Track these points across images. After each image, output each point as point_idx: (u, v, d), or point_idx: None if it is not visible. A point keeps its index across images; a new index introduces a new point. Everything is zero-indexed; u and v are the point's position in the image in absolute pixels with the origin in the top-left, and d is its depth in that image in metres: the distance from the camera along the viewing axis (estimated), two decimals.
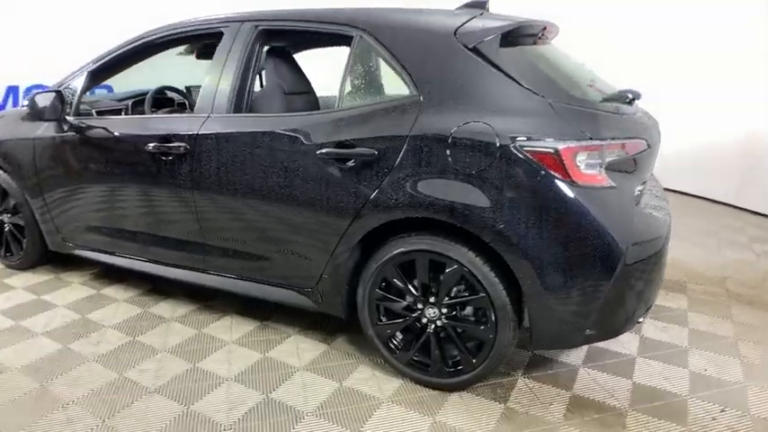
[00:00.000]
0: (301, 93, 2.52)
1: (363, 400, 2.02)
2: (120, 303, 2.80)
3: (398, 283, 2.04)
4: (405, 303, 2.07)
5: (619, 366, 2.24)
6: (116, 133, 2.55)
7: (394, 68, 2.02)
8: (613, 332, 1.97)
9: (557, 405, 1.99)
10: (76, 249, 2.93)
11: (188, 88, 3.36)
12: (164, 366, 2.23)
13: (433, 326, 2.03)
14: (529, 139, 1.77)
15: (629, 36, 5.08)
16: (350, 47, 2.12)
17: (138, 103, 3.08)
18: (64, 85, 2.79)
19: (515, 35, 2.03)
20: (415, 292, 2.03)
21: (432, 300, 2.01)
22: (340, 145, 2.00)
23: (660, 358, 2.31)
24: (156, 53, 2.73)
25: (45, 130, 2.77)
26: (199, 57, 3.05)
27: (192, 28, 2.52)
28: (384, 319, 2.13)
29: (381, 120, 1.98)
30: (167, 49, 2.72)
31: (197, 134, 2.30)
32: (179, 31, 2.55)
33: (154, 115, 2.77)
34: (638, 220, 1.86)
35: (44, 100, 2.60)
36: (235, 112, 2.30)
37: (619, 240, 1.76)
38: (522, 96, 1.86)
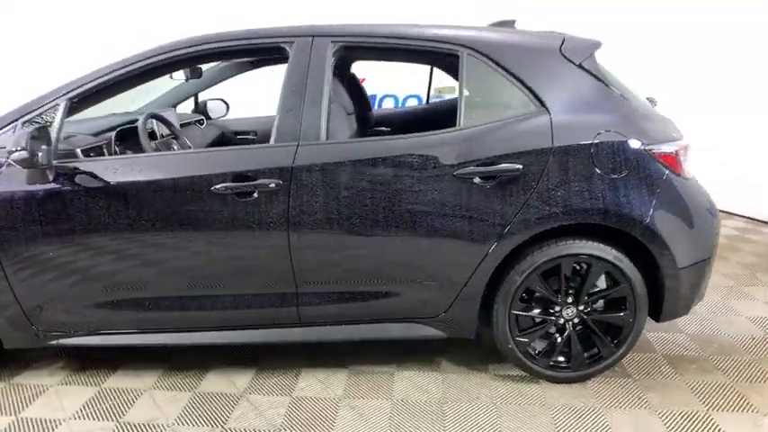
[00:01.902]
0: (364, 111, 2.34)
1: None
2: (158, 392, 2.18)
3: (542, 290, 2.11)
4: (546, 310, 2.15)
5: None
6: (147, 177, 1.98)
7: (513, 85, 2.07)
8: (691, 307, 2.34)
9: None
10: (63, 339, 2.16)
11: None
12: None
13: (571, 324, 2.16)
14: (654, 143, 2.04)
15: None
16: (458, 64, 2.09)
17: (122, 136, 2.38)
18: (24, 119, 2.04)
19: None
20: (557, 296, 2.12)
21: (569, 300, 2.14)
22: (482, 164, 1.97)
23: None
24: (178, 70, 2.19)
25: (10, 181, 1.97)
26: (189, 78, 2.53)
27: (240, 42, 2.11)
28: (523, 330, 2.17)
29: (517, 135, 2.01)
30: (196, 64, 2.21)
31: (292, 167, 1.96)
32: (220, 45, 2.10)
33: (202, 150, 2.17)
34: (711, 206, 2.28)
35: (20, 141, 1.85)
36: (329, 138, 2.03)
37: (715, 222, 2.17)
38: (622, 105, 2.11)
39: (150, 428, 1.97)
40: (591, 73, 2.11)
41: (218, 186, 1.95)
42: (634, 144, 2.01)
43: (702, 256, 2.14)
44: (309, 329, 2.17)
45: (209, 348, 2.46)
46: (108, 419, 2.03)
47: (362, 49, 2.18)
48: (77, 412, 2.07)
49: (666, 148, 2.05)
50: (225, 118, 3.71)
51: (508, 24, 2.52)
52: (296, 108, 2.03)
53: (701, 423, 1.97)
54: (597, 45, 2.17)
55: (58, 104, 2.04)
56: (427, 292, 2.11)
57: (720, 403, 2.08)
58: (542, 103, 2.04)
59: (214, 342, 2.18)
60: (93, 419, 2.03)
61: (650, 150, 2.02)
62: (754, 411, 2.03)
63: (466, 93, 2.08)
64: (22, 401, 2.14)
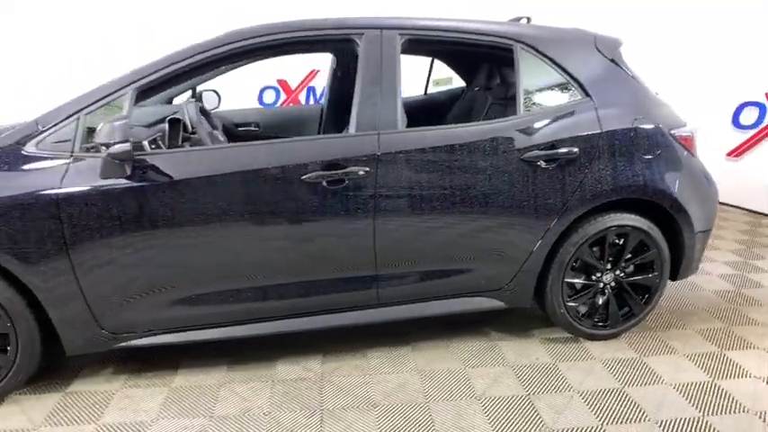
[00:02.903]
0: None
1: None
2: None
3: (590, 259, 2.38)
4: (590, 276, 2.44)
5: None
6: (234, 168, 1.96)
7: (561, 76, 2.31)
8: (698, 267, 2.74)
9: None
10: (133, 340, 2.07)
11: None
12: None
13: (609, 288, 2.47)
14: (674, 128, 2.39)
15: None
16: (513, 57, 2.28)
17: (173, 124, 2.26)
18: (86, 111, 1.92)
19: None
20: (601, 264, 2.41)
21: (608, 266, 2.44)
22: (545, 148, 2.19)
23: None
24: (250, 60, 2.17)
25: (81, 176, 1.85)
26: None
27: (310, 32, 2.13)
28: (572, 296, 2.44)
29: (572, 122, 2.26)
30: (273, 55, 2.20)
31: (378, 154, 2.04)
32: (291, 35, 2.11)
33: (289, 140, 2.14)
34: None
35: (117, 133, 1.75)
36: (406, 126, 2.14)
37: (716, 194, 2.58)
38: (647, 94, 2.44)
39: (248, 418, 1.98)
40: (620, 66, 2.42)
41: (310, 175, 1.98)
42: (663, 129, 2.34)
43: (710, 223, 2.54)
44: (385, 310, 2.28)
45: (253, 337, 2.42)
46: (197, 416, 1.99)
47: (426, 41, 2.30)
48: (161, 413, 2.01)
49: (685, 132, 2.42)
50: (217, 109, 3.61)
51: (524, 20, 2.77)
52: (374, 98, 2.11)
53: (717, 361, 2.37)
54: (621, 42, 2.48)
55: (124, 95, 1.95)
56: (495, 266, 2.30)
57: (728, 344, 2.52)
58: (587, 93, 2.31)
59: (290, 329, 2.20)
60: (183, 417, 1.99)
61: (674, 134, 2.37)
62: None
63: (522, 83, 2.28)
64: (93, 408, 2.03)
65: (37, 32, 4.82)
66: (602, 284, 2.46)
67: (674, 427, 1.94)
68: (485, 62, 3.27)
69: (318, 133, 3.54)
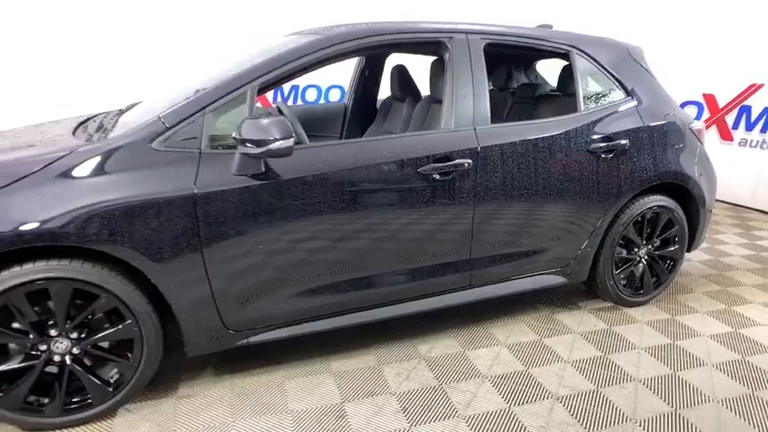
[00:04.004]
0: None
1: None
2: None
3: (632, 235, 2.76)
4: (630, 251, 2.81)
5: None
6: (361, 162, 2.04)
7: (607, 77, 2.66)
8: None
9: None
10: (252, 336, 2.08)
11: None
12: None
13: (645, 259, 2.87)
14: (690, 122, 2.84)
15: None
16: (569, 60, 2.59)
17: None
18: (211, 108, 1.91)
19: None
20: (639, 239, 2.80)
21: (644, 241, 2.84)
22: (604, 140, 2.52)
23: None
24: (349, 58, 2.24)
25: (214, 174, 1.85)
26: None
27: (409, 35, 2.27)
28: (617, 270, 2.80)
29: (620, 117, 2.61)
30: (368, 54, 2.27)
31: (478, 148, 2.24)
32: (396, 36, 2.23)
33: (403, 135, 2.24)
34: None
35: (283, 128, 1.79)
36: (492, 122, 2.35)
37: (716, 177, 3.09)
38: (667, 94, 2.88)
39: (322, 411, 2.08)
40: (647, 70, 2.83)
41: (425, 167, 2.13)
42: (685, 123, 2.78)
43: (713, 202, 3.04)
44: (475, 291, 2.48)
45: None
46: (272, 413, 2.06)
47: (499, 45, 2.52)
48: (235, 414, 2.05)
49: (698, 126, 2.88)
50: None
51: (546, 28, 3.10)
52: (468, 96, 2.30)
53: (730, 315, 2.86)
54: (643, 50, 2.89)
55: (246, 92, 1.96)
56: (565, 246, 2.59)
57: None
58: (628, 92, 2.68)
59: (398, 314, 2.32)
60: (259, 415, 2.04)
61: (691, 127, 2.82)
62: None
63: (580, 83, 2.59)
64: (216, 410, 2.01)
65: (36, 31, 4.59)
66: (638, 257, 2.85)
67: (727, 367, 2.35)
68: (504, 65, 3.57)
69: (342, 132, 3.63)
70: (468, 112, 2.29)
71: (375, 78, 3.55)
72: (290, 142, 1.78)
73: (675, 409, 2.07)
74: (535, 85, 3.39)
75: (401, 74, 3.02)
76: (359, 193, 2.06)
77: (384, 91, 3.55)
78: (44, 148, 1.86)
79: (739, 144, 4.98)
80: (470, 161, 2.22)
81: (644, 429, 1.96)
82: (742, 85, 4.94)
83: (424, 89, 2.82)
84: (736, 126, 5.02)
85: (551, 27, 3.02)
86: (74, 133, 2.15)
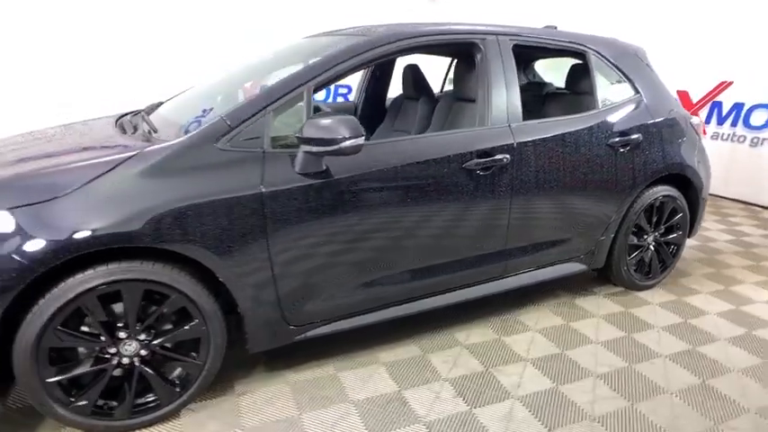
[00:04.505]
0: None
1: None
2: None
3: (643, 223, 2.95)
4: (639, 238, 3.01)
5: None
6: (415, 159, 2.13)
7: (619, 75, 2.84)
8: None
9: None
10: (311, 330, 2.13)
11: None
12: None
13: (652, 246, 3.08)
14: (689, 118, 3.07)
15: None
16: (585, 60, 2.76)
17: None
18: (272, 107, 1.95)
19: None
20: (649, 226, 3.00)
21: (652, 229, 3.04)
22: (620, 134, 2.70)
23: None
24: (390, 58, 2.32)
25: (278, 172, 1.88)
26: None
27: (451, 36, 2.39)
28: (629, 256, 3.00)
29: (632, 113, 2.79)
30: (410, 53, 2.36)
31: (514, 144, 2.36)
32: (439, 38, 2.35)
33: (449, 132, 2.38)
34: None
35: (353, 127, 1.85)
36: (524, 119, 2.48)
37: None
38: (666, 90, 3.09)
39: (383, 399, 2.17)
40: (651, 69, 3.03)
41: (469, 163, 2.24)
42: (687, 119, 3.01)
43: (708, 191, 3.28)
44: (509, 280, 2.60)
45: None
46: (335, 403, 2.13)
47: (524, 46, 2.65)
48: (299, 408, 2.11)
49: (696, 121, 3.12)
50: None
51: (551, 29, 3.27)
52: (502, 94, 2.42)
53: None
54: (645, 50, 3.10)
55: (302, 92, 2.01)
56: (586, 235, 2.76)
57: None
58: (637, 90, 2.87)
59: (445, 303, 2.42)
60: (321, 408, 2.08)
61: (691, 122, 3.05)
62: None
63: (598, 81, 2.76)
64: (277, 404, 2.05)
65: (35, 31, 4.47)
66: (647, 244, 3.06)
67: (738, 341, 2.58)
68: None
69: None
70: (502, 110, 2.41)
71: (385, 78, 3.63)
72: (361, 140, 1.85)
73: (703, 380, 2.26)
74: (542, 83, 3.55)
75: (415, 73, 3.10)
76: (411, 188, 2.14)
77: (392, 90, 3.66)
78: (107, 150, 1.85)
79: (711, 137, 5.35)
80: (508, 156, 2.34)
81: (679, 399, 2.13)
82: (713, 82, 5.31)
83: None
84: (708, 120, 5.39)
85: (556, 28, 3.20)
86: (123, 133, 2.14)
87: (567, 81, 3.09)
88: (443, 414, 2.01)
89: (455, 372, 2.28)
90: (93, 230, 1.61)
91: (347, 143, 1.82)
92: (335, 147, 1.82)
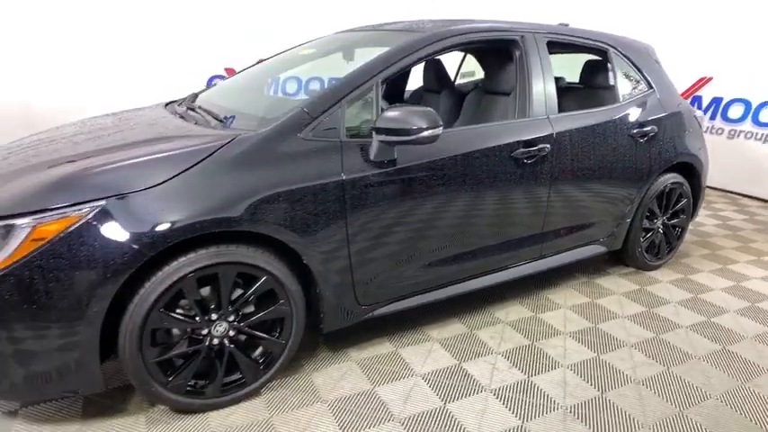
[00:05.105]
0: None
1: None
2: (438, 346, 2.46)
3: (654, 208, 3.21)
4: (651, 221, 3.27)
5: None
6: (474, 147, 2.30)
7: (635, 71, 3.08)
8: None
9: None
10: (378, 309, 2.26)
11: None
12: None
13: (660, 228, 3.35)
14: (695, 110, 3.35)
15: None
16: (606, 57, 2.98)
17: None
18: (346, 99, 2.06)
19: None
20: (659, 211, 3.26)
21: (661, 212, 3.31)
22: (639, 126, 2.93)
23: None
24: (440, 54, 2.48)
25: (356, 160, 2.00)
26: None
27: (495, 33, 2.55)
28: (642, 236, 3.25)
29: (648, 107, 3.03)
30: (456, 50, 2.50)
31: (553, 134, 2.55)
32: (485, 35, 2.50)
33: (501, 122, 2.52)
34: None
35: (432, 118, 1.97)
36: (559, 111, 2.67)
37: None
38: (673, 86, 3.36)
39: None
40: (660, 66, 3.29)
41: (516, 152, 2.41)
42: (691, 112, 3.28)
43: (707, 179, 3.58)
44: (542, 261, 2.80)
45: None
46: (403, 378, 2.29)
47: (554, 43, 2.83)
48: (372, 383, 2.25)
49: (699, 114, 3.40)
50: None
51: (565, 25, 3.49)
52: (540, 88, 2.60)
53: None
54: (654, 48, 3.35)
55: (373, 86, 2.12)
56: (609, 218, 2.98)
57: None
58: (650, 85, 3.12)
59: (492, 283, 2.60)
60: (389, 383, 2.26)
61: (695, 115, 3.33)
62: None
63: (619, 76, 2.98)
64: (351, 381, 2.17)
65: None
66: (657, 227, 3.32)
67: (746, 312, 2.87)
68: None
69: None
70: (541, 102, 2.59)
71: (406, 71, 3.76)
72: (439, 131, 1.98)
73: (723, 346, 2.53)
74: (557, 78, 3.76)
75: (437, 67, 3.26)
76: (469, 175, 2.30)
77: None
78: (195, 139, 1.91)
79: None
80: (548, 146, 2.53)
81: (707, 363, 2.39)
82: (693, 77, 5.69)
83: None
84: None
85: (567, 26, 3.41)
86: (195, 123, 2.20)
87: (583, 76, 3.30)
88: (505, 382, 2.18)
89: (504, 345, 2.46)
90: (198, 215, 1.69)
91: (426, 133, 1.95)
92: (413, 137, 1.95)
